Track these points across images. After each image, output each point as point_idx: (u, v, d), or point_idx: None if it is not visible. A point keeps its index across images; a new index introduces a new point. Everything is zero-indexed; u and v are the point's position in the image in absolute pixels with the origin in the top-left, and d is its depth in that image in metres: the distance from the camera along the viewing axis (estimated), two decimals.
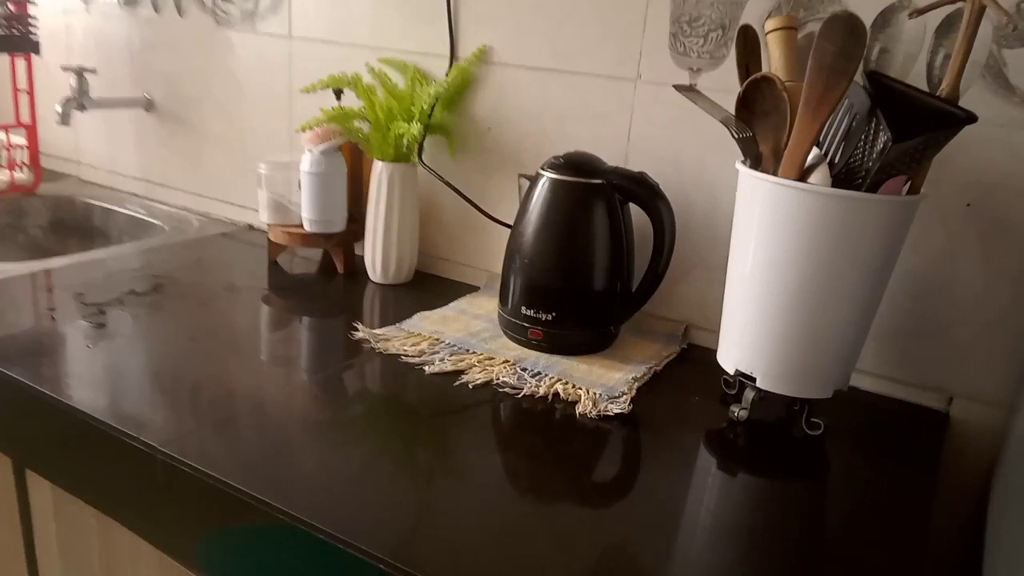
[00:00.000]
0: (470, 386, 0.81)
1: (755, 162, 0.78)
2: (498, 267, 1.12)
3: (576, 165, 0.91)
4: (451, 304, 1.05)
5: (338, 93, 1.14)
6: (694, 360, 0.96)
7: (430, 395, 0.81)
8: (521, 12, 1.03)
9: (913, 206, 0.74)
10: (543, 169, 0.92)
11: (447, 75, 1.08)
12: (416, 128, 1.00)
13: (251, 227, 1.36)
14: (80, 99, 1.33)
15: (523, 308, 0.91)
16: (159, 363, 0.82)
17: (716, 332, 0.97)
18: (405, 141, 1.03)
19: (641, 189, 0.90)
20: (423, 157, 1.11)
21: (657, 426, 0.80)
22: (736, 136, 0.77)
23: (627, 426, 0.78)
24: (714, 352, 0.84)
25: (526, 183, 0.95)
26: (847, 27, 0.62)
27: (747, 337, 0.78)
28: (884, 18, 0.82)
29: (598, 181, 0.89)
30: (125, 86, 1.46)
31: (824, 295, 0.73)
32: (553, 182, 0.90)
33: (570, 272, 0.90)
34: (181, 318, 0.95)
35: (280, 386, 0.80)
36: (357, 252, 1.18)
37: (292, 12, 1.23)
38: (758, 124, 0.78)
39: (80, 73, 1.33)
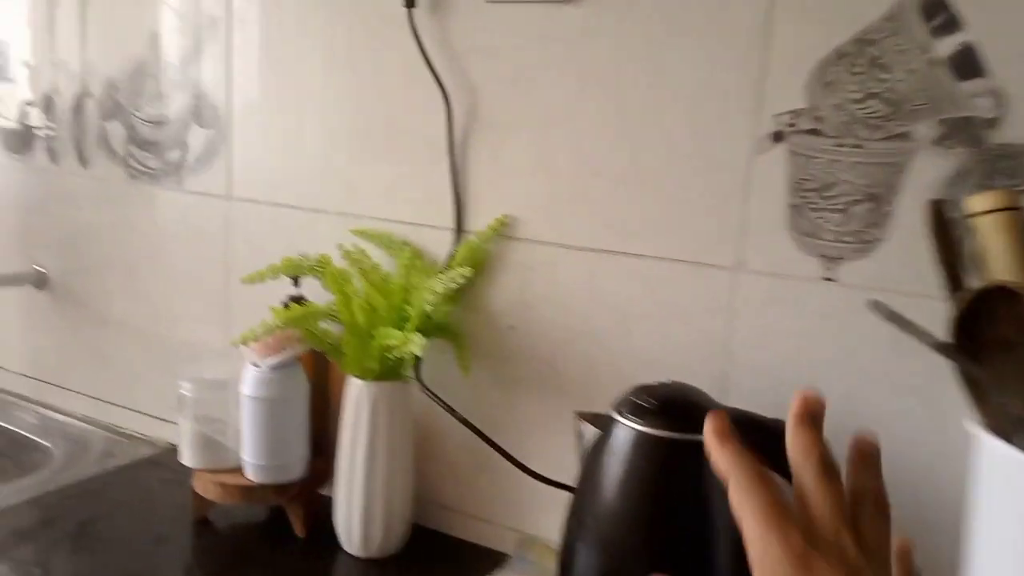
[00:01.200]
0: None
1: (1010, 430, 0.47)
2: (531, 525, 0.79)
3: (677, 409, 0.58)
4: None
5: (295, 278, 0.82)
6: None
7: None
8: (557, 170, 0.73)
9: None
10: (622, 414, 0.59)
11: (453, 256, 0.77)
12: (417, 342, 0.67)
13: (174, 446, 0.99)
14: None
15: None
16: None
17: None
18: (397, 355, 0.71)
19: (784, 448, 0.58)
20: (421, 372, 0.78)
21: None
22: (992, 400, 0.46)
23: None
24: None
25: (589, 430, 0.63)
26: None
27: None
28: None
29: None
30: (9, 257, 1.11)
31: None
32: (644, 438, 0.58)
33: None
34: None
35: None
36: (323, 492, 0.83)
37: (233, 164, 0.92)
38: (996, 360, 0.48)
39: None
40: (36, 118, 1.06)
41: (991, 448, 0.47)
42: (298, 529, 0.80)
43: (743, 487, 0.33)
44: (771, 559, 0.31)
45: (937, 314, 0.51)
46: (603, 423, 0.61)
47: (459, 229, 0.79)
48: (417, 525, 0.82)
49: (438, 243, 0.80)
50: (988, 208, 0.52)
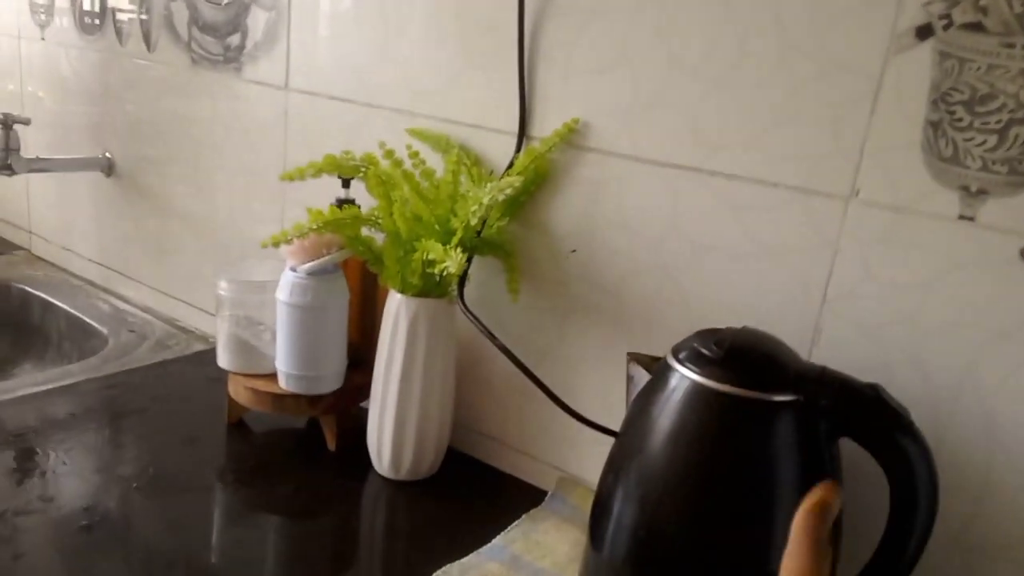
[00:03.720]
0: None
1: None
2: (575, 465, 0.71)
3: (743, 361, 0.48)
4: (496, 540, 0.63)
5: (346, 180, 0.75)
6: None
7: None
8: (641, 67, 0.62)
9: None
10: (680, 360, 0.50)
11: (512, 163, 0.68)
12: (456, 259, 0.59)
13: None
14: (6, 159, 0.97)
15: None
16: None
17: None
18: (438, 273, 0.63)
19: (874, 419, 0.47)
20: (465, 293, 0.70)
21: None
22: None
23: None
24: None
25: (643, 375, 0.53)
26: None
27: None
28: None
29: (789, 397, 0.47)
30: (82, 142, 1.10)
31: None
32: (702, 391, 0.48)
33: (738, 560, 0.48)
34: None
35: None
36: (363, 405, 0.77)
37: (291, 53, 0.85)
38: None
39: (7, 124, 0.97)
40: None
41: None
42: (330, 443, 0.76)
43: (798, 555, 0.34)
44: None
45: None
46: (658, 368, 0.52)
47: (523, 133, 0.69)
48: (456, 451, 0.76)
49: (500, 149, 0.71)
50: None
